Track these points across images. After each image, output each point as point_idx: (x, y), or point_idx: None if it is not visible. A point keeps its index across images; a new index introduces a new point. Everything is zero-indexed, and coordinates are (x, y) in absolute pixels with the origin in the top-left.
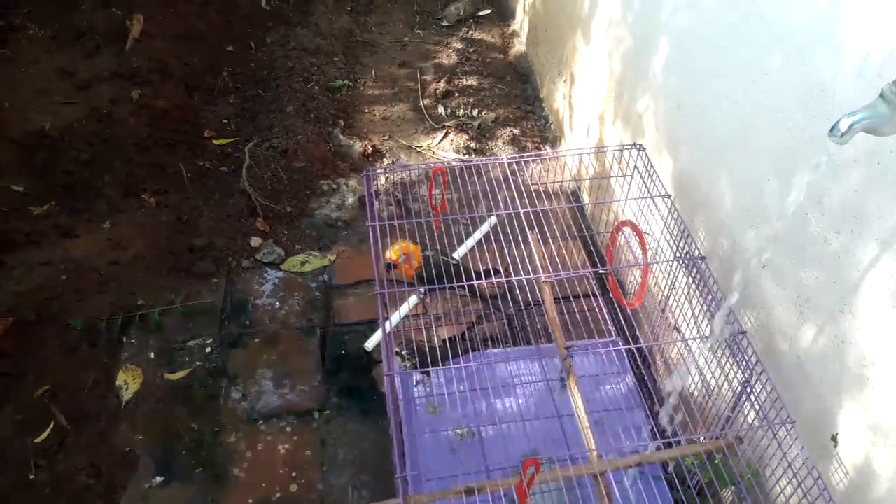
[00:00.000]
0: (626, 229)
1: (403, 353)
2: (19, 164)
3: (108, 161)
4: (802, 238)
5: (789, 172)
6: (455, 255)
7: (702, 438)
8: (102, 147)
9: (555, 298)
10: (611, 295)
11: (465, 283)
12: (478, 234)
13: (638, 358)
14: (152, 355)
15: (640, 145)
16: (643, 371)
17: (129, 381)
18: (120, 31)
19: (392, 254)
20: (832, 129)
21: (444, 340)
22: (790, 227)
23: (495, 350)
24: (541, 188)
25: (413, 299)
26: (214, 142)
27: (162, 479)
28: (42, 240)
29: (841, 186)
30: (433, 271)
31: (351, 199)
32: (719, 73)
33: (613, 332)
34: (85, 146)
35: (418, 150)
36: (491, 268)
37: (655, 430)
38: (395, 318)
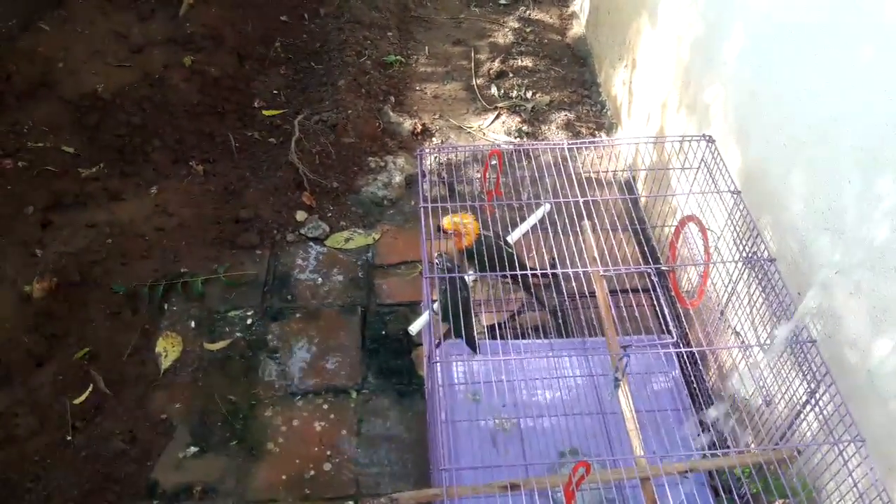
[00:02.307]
0: (691, 225)
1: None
2: (71, 125)
3: (158, 126)
4: (883, 246)
5: (874, 174)
6: (510, 239)
7: (753, 448)
8: (153, 112)
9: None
10: (671, 293)
11: (517, 274)
12: (531, 221)
13: (689, 360)
14: (193, 324)
15: (710, 137)
16: (693, 372)
17: (168, 349)
18: None
19: (447, 224)
20: None
21: (486, 328)
22: (870, 233)
23: (540, 341)
24: (593, 176)
25: (468, 277)
26: (264, 112)
27: (196, 449)
28: (89, 202)
29: None
30: (486, 253)
31: (398, 178)
32: (800, 63)
33: (675, 333)
34: (136, 110)
35: (469, 130)
36: (546, 260)
37: (704, 435)
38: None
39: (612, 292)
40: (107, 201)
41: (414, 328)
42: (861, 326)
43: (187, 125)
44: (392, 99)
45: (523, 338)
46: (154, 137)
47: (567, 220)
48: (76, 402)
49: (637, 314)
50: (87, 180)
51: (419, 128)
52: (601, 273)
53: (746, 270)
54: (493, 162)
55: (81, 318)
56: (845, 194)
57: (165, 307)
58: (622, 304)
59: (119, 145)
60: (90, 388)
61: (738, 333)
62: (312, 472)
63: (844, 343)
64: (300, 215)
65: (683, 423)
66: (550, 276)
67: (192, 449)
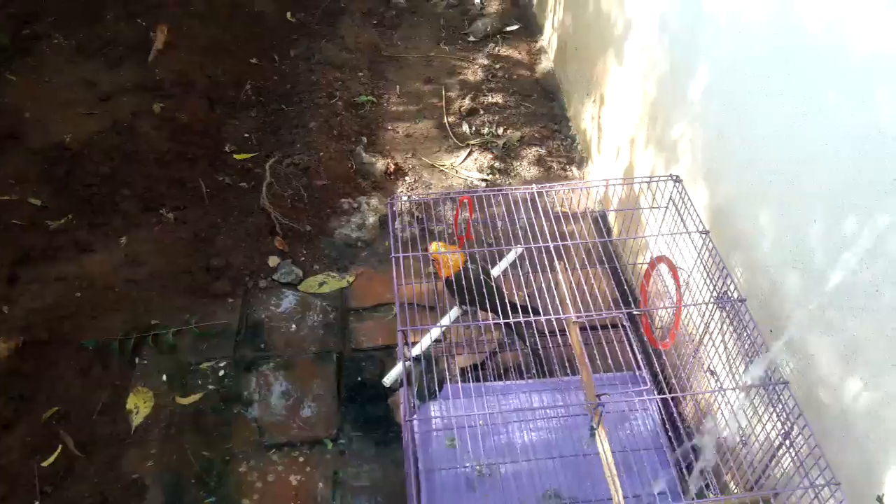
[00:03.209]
0: (661, 266)
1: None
2: (38, 176)
3: (127, 175)
4: (852, 286)
5: (839, 216)
6: (494, 273)
7: (734, 490)
8: (122, 161)
9: (581, 328)
10: (644, 337)
11: (499, 307)
12: (503, 263)
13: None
14: (164, 378)
15: (677, 177)
16: (672, 411)
17: (139, 405)
18: (144, 42)
19: (437, 250)
20: None
21: (461, 370)
22: (838, 273)
23: (517, 382)
24: (563, 212)
25: (455, 312)
26: (235, 156)
27: None
28: (58, 254)
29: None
30: (468, 285)
31: (371, 219)
32: (765, 105)
33: (647, 377)
34: (105, 159)
35: (441, 168)
36: (519, 303)
37: (680, 478)
38: (417, 349)
39: (592, 328)
40: (76, 254)
41: (388, 380)
42: (832, 366)
43: (157, 173)
44: (364, 139)
45: (500, 379)
46: (123, 186)
47: (545, 258)
48: (45, 464)
49: (616, 349)
50: (56, 233)
51: (392, 167)
52: (574, 320)
53: (717, 310)
54: (465, 212)
55: (50, 376)
56: (811, 235)
57: (136, 361)
58: (599, 341)
59: (87, 195)
60: (59, 450)
61: (713, 372)
62: None
63: (817, 382)
64: (272, 261)
65: (661, 465)
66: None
67: None
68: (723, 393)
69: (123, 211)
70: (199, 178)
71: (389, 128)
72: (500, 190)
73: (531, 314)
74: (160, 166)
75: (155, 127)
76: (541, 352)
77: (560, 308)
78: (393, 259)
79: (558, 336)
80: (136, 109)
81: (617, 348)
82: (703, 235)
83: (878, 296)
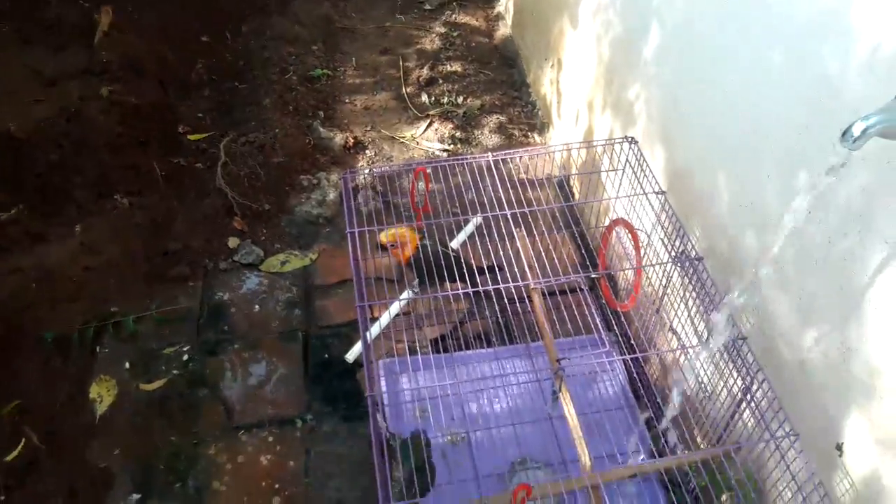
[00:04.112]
0: (619, 228)
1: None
2: None
3: (78, 162)
4: (806, 240)
5: (792, 172)
6: (453, 245)
7: (700, 445)
8: (72, 148)
9: (543, 294)
10: (605, 300)
11: (457, 280)
12: (464, 234)
13: (630, 361)
14: (127, 365)
15: (633, 138)
16: (636, 370)
17: (103, 394)
18: (88, 24)
19: (385, 237)
20: (844, 133)
21: (430, 341)
22: (793, 228)
23: (484, 350)
24: (527, 178)
25: (405, 296)
26: (189, 137)
27: (139, 496)
28: (11, 246)
29: (848, 187)
30: (429, 260)
31: (332, 195)
32: (717, 66)
33: (605, 340)
34: (54, 147)
35: (402, 140)
36: (486, 265)
37: (649, 435)
38: (377, 328)
39: (551, 294)
40: (30, 244)
41: (351, 356)
42: (790, 320)
43: (109, 158)
44: (321, 114)
45: (467, 348)
46: (75, 174)
47: (504, 227)
48: (8, 459)
49: (576, 314)
50: (7, 224)
51: (351, 141)
52: (532, 286)
53: (676, 270)
54: (422, 183)
55: (9, 370)
56: (766, 193)
57: (97, 350)
58: (561, 306)
59: (38, 185)
60: (22, 444)
61: (674, 331)
62: None
63: (777, 336)
64: (232, 242)
65: (630, 423)
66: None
67: (135, 496)
68: (684, 351)
69: (76, 199)
70: (153, 162)
71: (347, 101)
72: (459, 159)
73: (496, 273)
74: (112, 151)
75: (104, 111)
76: (504, 320)
77: (519, 275)
78: (349, 234)
79: (521, 304)
80: (84, 94)
81: (576, 312)
82: (660, 196)
83: (830, 248)
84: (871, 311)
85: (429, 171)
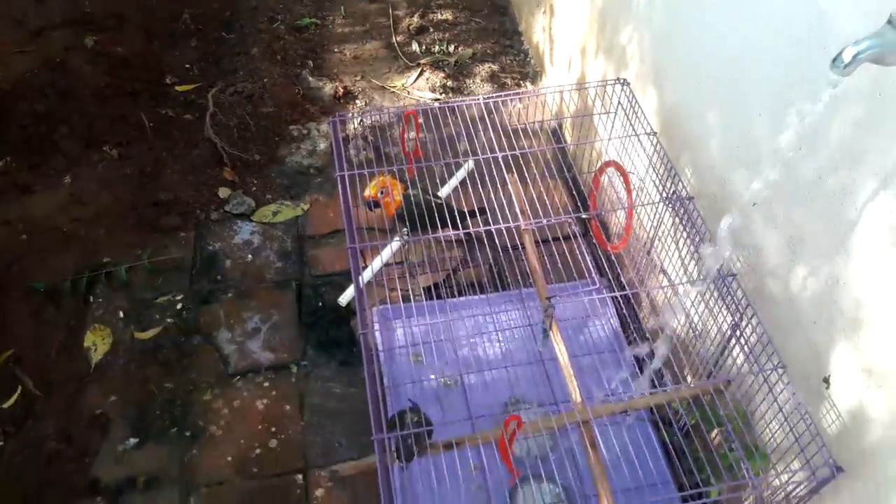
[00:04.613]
0: (610, 170)
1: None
2: None
3: (64, 113)
4: (796, 177)
5: (783, 107)
6: (440, 194)
7: (690, 382)
8: (58, 98)
9: (536, 241)
10: (596, 242)
11: (449, 226)
12: (454, 180)
13: (621, 301)
14: (121, 314)
15: (625, 80)
16: (627, 313)
17: (97, 342)
18: None
19: (371, 190)
20: (835, 59)
21: (424, 289)
22: (783, 165)
23: (477, 296)
24: (520, 127)
25: (395, 244)
26: (177, 88)
27: (136, 440)
28: None
29: (839, 121)
30: (416, 211)
31: (323, 145)
32: (706, 3)
33: (597, 280)
34: (39, 98)
35: (392, 90)
36: (476, 208)
37: (640, 373)
38: (369, 273)
39: (544, 241)
40: (18, 196)
41: (344, 299)
42: (780, 256)
43: (96, 109)
44: (310, 63)
45: (461, 295)
46: (61, 125)
47: (497, 174)
48: (5, 406)
49: (570, 260)
50: None
51: (341, 91)
52: (524, 227)
53: (667, 211)
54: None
55: (1, 320)
56: (756, 130)
57: (90, 300)
58: (556, 252)
59: (24, 136)
60: (18, 391)
61: (664, 272)
62: (258, 451)
63: (767, 273)
64: (223, 192)
65: (621, 365)
66: (483, 232)
67: (132, 441)
68: (674, 289)
69: (63, 150)
70: (141, 113)
71: (336, 50)
72: (450, 103)
73: (488, 216)
74: (99, 102)
75: (89, 62)
76: (496, 267)
77: (511, 218)
78: (338, 178)
79: (514, 251)
80: (69, 45)
81: (569, 259)
82: (652, 137)
83: (820, 183)
84: (859, 243)
85: (420, 117)
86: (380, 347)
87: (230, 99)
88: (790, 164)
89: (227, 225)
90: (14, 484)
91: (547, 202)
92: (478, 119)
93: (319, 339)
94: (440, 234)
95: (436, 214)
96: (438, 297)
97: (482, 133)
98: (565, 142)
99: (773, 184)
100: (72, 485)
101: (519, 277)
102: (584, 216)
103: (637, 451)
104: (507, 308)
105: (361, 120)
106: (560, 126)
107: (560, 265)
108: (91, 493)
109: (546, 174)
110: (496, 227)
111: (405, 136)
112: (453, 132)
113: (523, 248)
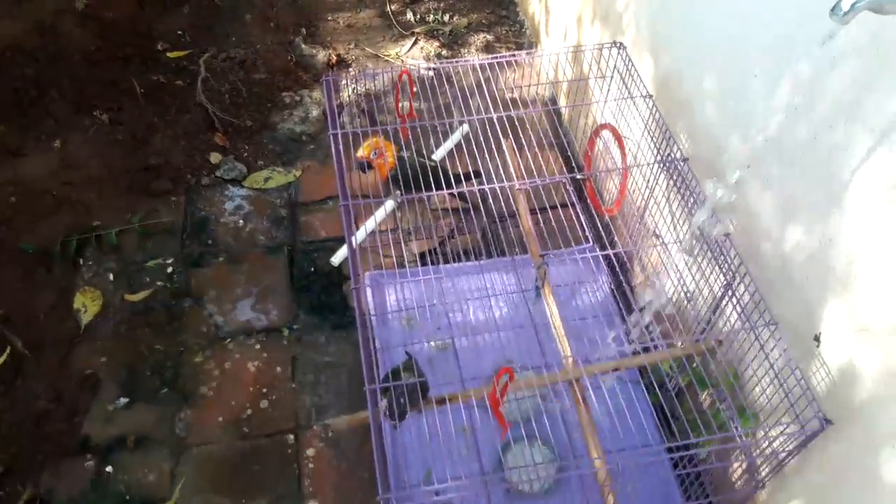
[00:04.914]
0: (606, 133)
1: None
2: None
3: (55, 77)
4: (791, 136)
5: (779, 66)
6: (434, 157)
7: (680, 343)
8: (48, 62)
9: (531, 210)
10: (588, 202)
11: (444, 187)
12: (449, 143)
13: (616, 264)
14: (111, 277)
15: (620, 43)
16: (621, 278)
17: (87, 304)
18: None
19: (364, 150)
20: (834, 7)
21: (417, 255)
22: (779, 125)
23: (469, 263)
24: (515, 95)
25: (389, 204)
26: (168, 55)
27: (126, 400)
28: None
29: (835, 78)
30: (410, 172)
31: (315, 112)
32: None
33: (591, 238)
34: (29, 61)
35: (386, 58)
36: (471, 170)
37: (633, 336)
38: (362, 233)
39: (541, 209)
40: (7, 158)
41: (336, 259)
42: (774, 217)
43: (87, 74)
44: (303, 31)
45: (454, 262)
46: (51, 88)
47: (492, 139)
48: None
49: (566, 227)
50: None
51: (334, 59)
52: (518, 187)
53: (662, 173)
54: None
55: None
56: (752, 91)
57: (80, 263)
58: (550, 219)
59: (14, 100)
60: (7, 352)
61: (658, 235)
62: (249, 412)
63: (760, 234)
64: (214, 157)
65: (613, 328)
66: (478, 196)
67: (122, 401)
68: (666, 250)
69: (54, 114)
70: (132, 78)
71: (329, 18)
72: (443, 63)
73: (483, 179)
74: (89, 67)
75: (79, 25)
76: (488, 236)
77: (506, 180)
78: (331, 136)
79: (509, 220)
80: (58, 8)
81: (566, 225)
82: (647, 99)
83: (815, 142)
84: (853, 200)
85: (416, 85)
86: (372, 312)
87: (222, 65)
88: (785, 124)
89: (219, 190)
90: (4, 442)
91: (542, 165)
92: (474, 85)
93: (311, 304)
94: (434, 193)
95: (430, 176)
96: (432, 263)
97: (477, 99)
98: (560, 111)
99: (768, 145)
100: (62, 443)
101: (514, 244)
102: (579, 176)
103: (630, 413)
104: (499, 274)
105: (355, 88)
106: (555, 95)
107: (556, 232)
108: (81, 452)
109: (542, 140)
110: (490, 186)
111: (399, 97)
112: (449, 99)
113: (517, 210)
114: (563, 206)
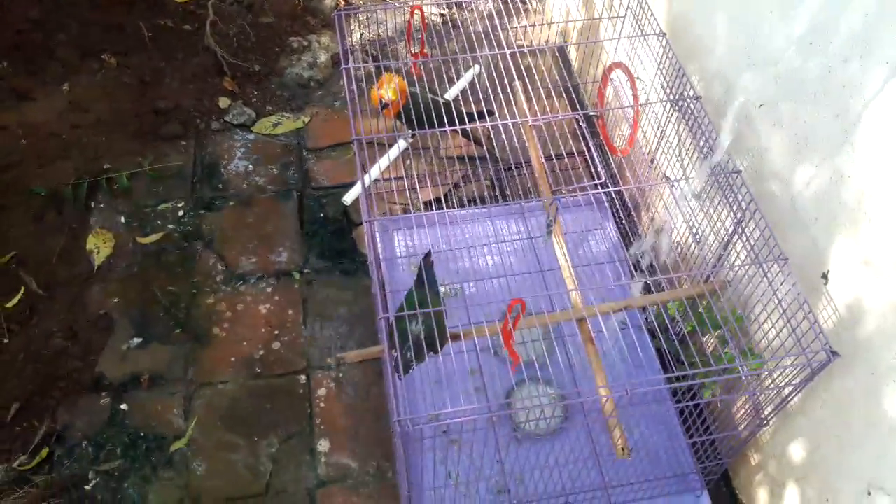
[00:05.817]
0: (618, 72)
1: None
2: None
3: (60, 20)
4: (804, 72)
5: (794, 2)
6: (447, 96)
7: (686, 284)
8: (53, 5)
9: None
10: (600, 140)
11: (457, 123)
12: (462, 82)
13: (621, 209)
14: (122, 219)
15: None
16: (628, 224)
17: (100, 245)
18: None
19: (374, 93)
20: None
21: (425, 203)
22: (792, 61)
23: (479, 209)
24: (525, 44)
25: (401, 143)
26: (176, 0)
27: (140, 340)
28: None
29: (851, 10)
30: (421, 110)
31: (323, 58)
32: None
33: (604, 174)
34: (33, 4)
35: (395, 4)
36: (484, 109)
37: (638, 277)
38: (375, 171)
39: (548, 158)
40: (15, 102)
41: (348, 198)
42: (784, 156)
43: (93, 17)
44: None
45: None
46: (58, 32)
47: (503, 81)
48: (8, 305)
49: (573, 175)
50: None
51: (342, 3)
52: (530, 123)
53: (674, 114)
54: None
55: (2, 223)
56: (766, 28)
57: (92, 205)
58: (561, 168)
59: (19, 42)
60: (21, 291)
61: (667, 178)
62: (262, 352)
63: (770, 175)
64: (223, 102)
65: (620, 274)
66: (493, 136)
67: (136, 340)
68: (679, 190)
69: (61, 57)
70: (139, 22)
71: None
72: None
73: (495, 116)
74: (95, 11)
75: None
76: (498, 183)
77: (518, 115)
78: (343, 71)
79: (517, 169)
80: None
81: (582, 172)
82: (661, 38)
83: (829, 77)
84: (866, 135)
85: (423, 9)
86: (381, 257)
87: (230, 8)
88: (799, 61)
89: (228, 135)
90: (19, 379)
91: (557, 106)
92: (482, 35)
93: (322, 249)
94: (447, 129)
95: (442, 113)
96: (441, 209)
97: (486, 49)
98: (571, 61)
99: (781, 82)
100: (77, 380)
101: (523, 191)
102: (591, 112)
103: (633, 356)
104: (508, 220)
105: (362, 33)
106: (566, 44)
107: (569, 178)
108: (96, 390)
109: (551, 90)
110: (503, 122)
111: (411, 31)
112: (456, 48)
113: (529, 146)
114: (571, 154)
